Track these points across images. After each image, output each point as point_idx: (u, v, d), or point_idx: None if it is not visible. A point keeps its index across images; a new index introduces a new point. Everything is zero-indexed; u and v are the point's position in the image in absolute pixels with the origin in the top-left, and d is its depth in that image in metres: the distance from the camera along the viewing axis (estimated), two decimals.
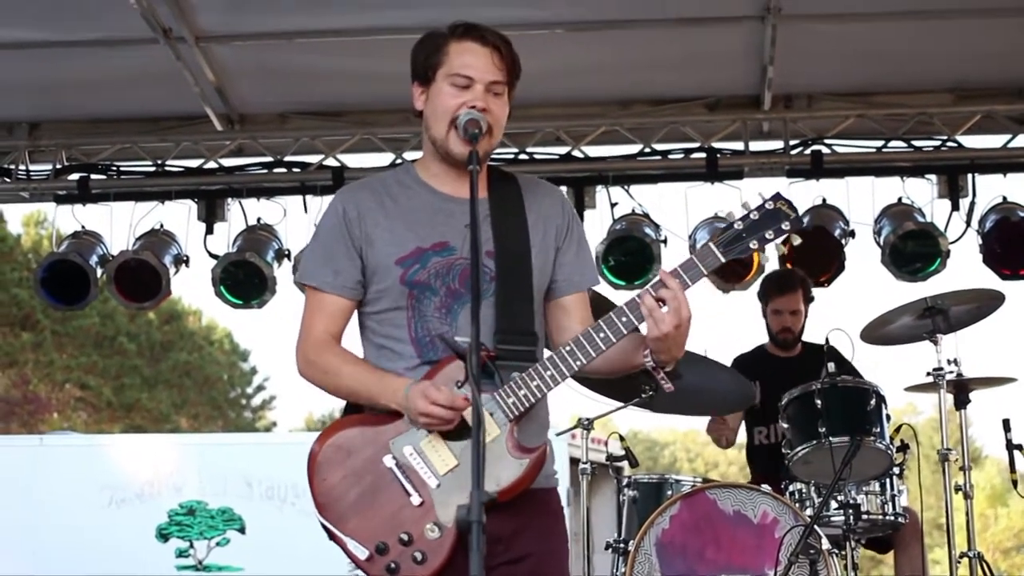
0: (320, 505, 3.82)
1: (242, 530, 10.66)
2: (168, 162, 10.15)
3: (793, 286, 8.24)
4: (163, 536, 10.71)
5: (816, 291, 8.64)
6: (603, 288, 9.40)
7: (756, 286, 8.76)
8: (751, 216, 3.83)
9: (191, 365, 37.04)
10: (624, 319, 3.79)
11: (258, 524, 10.69)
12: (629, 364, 3.98)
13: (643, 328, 3.81)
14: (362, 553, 3.74)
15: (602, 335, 3.79)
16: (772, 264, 9.33)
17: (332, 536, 3.81)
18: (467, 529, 3.12)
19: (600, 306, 4.18)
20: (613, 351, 3.84)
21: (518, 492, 3.78)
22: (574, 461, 7.51)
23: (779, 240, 3.83)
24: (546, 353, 3.92)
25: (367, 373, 3.90)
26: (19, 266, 30.74)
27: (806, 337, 8.40)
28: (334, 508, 3.81)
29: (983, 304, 7.34)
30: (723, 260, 3.81)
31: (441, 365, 3.83)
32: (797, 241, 3.85)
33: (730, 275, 9.45)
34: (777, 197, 3.87)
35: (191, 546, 10.67)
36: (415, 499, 3.75)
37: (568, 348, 3.80)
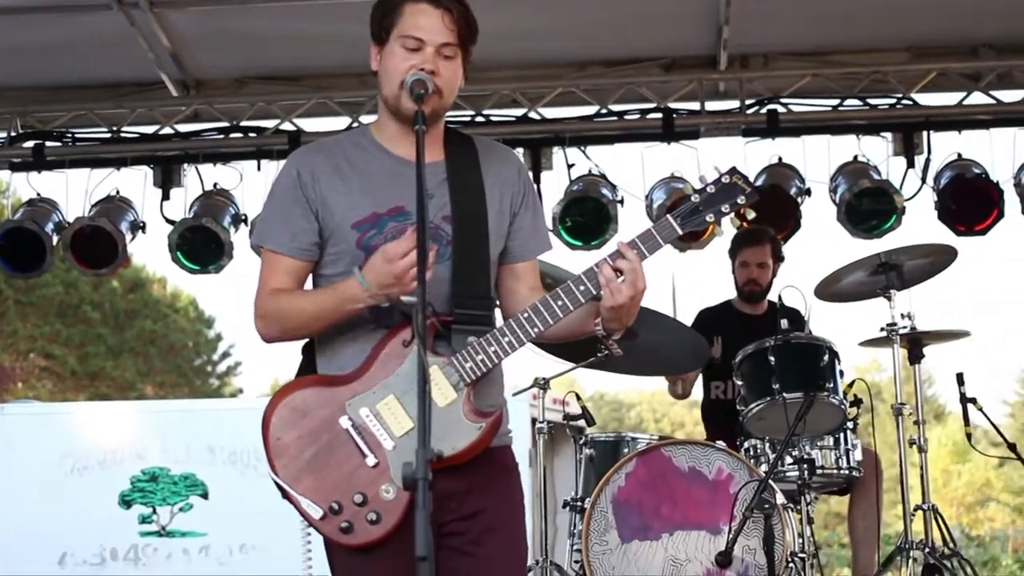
0: (274, 464, 3.81)
1: (205, 495, 10.63)
2: (124, 128, 10.12)
3: (761, 239, 8.24)
4: (126, 503, 10.67)
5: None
6: (560, 249, 9.49)
7: (711, 246, 8.81)
8: (707, 190, 3.89)
9: (156, 333, 36.97)
10: (582, 288, 3.83)
11: (221, 489, 10.67)
12: (581, 330, 4.02)
13: (591, 289, 3.85)
14: (316, 512, 3.75)
15: (560, 303, 3.82)
16: (728, 231, 9.38)
17: (286, 495, 3.81)
18: (412, 486, 3.13)
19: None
20: (568, 317, 3.87)
21: (473, 456, 3.80)
22: (534, 421, 7.52)
23: (734, 213, 3.92)
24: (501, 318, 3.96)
25: (319, 293, 3.93)
26: None
27: (771, 297, 8.42)
28: (288, 467, 3.80)
29: (936, 259, 7.39)
30: (680, 232, 3.87)
31: (398, 328, 3.83)
32: (751, 215, 3.95)
33: (687, 235, 9.49)
34: (733, 171, 3.94)
35: (154, 512, 10.64)
36: (370, 460, 3.76)
37: (526, 315, 3.82)
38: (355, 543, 3.76)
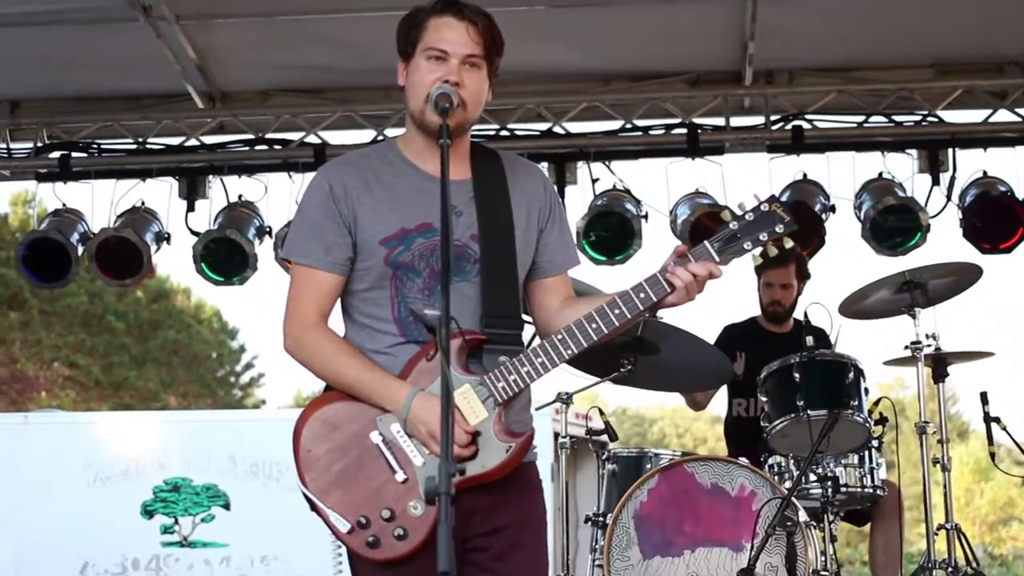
0: (303, 476, 3.84)
1: (227, 506, 10.64)
2: (149, 140, 10.15)
3: (786, 259, 8.14)
4: (148, 513, 10.69)
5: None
6: (584, 263, 9.47)
7: (739, 261, 8.75)
8: (746, 217, 3.88)
9: (179, 343, 36.99)
10: (617, 311, 3.84)
11: (242, 500, 10.69)
12: (610, 339, 4.01)
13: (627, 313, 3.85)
14: (344, 526, 3.77)
15: (594, 326, 3.84)
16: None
17: (314, 508, 3.83)
18: (434, 500, 3.13)
19: None
20: None
21: (502, 475, 3.82)
22: (556, 435, 7.52)
23: (772, 242, 3.88)
24: (537, 339, 3.97)
25: (365, 370, 3.88)
26: (7, 245, 30.65)
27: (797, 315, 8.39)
28: (318, 480, 3.82)
29: (961, 278, 7.36)
30: (717, 260, 3.85)
31: (430, 345, 3.85)
32: (789, 244, 3.90)
33: None
34: (772, 199, 3.92)
35: (176, 522, 10.66)
36: (400, 476, 3.78)
37: (560, 336, 3.84)
38: (381, 558, 3.77)
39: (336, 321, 4.06)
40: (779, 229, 3.87)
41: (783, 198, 9.24)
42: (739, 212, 3.89)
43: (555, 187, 4.31)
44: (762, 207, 3.89)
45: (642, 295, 3.84)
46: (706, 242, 3.87)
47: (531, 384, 3.88)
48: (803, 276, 8.33)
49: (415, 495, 3.76)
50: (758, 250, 3.87)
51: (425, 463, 3.77)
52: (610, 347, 6.90)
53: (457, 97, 3.85)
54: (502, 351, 3.85)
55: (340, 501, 3.79)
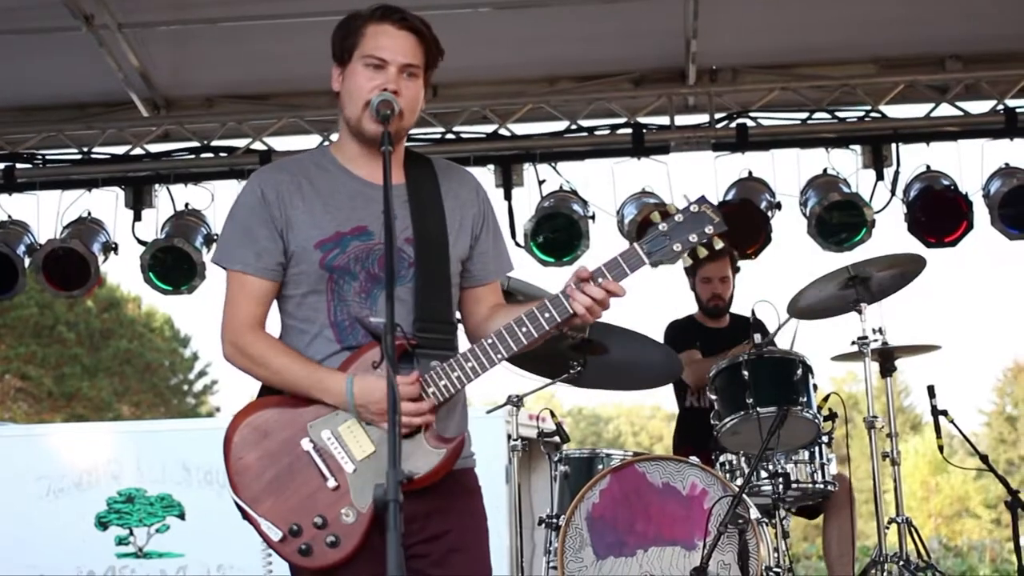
0: (235, 484, 3.83)
1: (181, 516, 10.63)
2: (94, 149, 10.09)
3: (721, 253, 8.20)
4: (102, 524, 10.68)
5: (744, 263, 8.72)
6: (532, 265, 9.49)
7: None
8: (675, 219, 3.86)
9: (132, 352, 36.87)
10: (547, 315, 3.83)
11: (197, 509, 10.67)
12: (541, 341, 4.00)
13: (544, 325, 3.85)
14: (275, 534, 3.76)
15: (524, 329, 3.83)
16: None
17: (246, 516, 3.82)
18: (383, 508, 3.13)
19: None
20: None
21: (433, 481, 3.81)
22: (509, 437, 7.54)
23: (702, 243, 3.87)
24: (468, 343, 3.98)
25: (300, 366, 3.87)
26: None
27: (734, 309, 8.45)
28: (249, 488, 3.81)
29: (905, 269, 7.39)
30: (647, 263, 3.84)
31: (362, 351, 3.84)
32: (719, 245, 3.89)
33: None
34: (701, 201, 3.90)
35: (131, 533, 10.64)
36: (331, 483, 3.77)
37: (490, 341, 3.84)
38: (313, 566, 3.77)
39: (275, 328, 4.06)
40: (709, 230, 3.86)
41: (729, 196, 9.50)
42: (670, 213, 3.88)
43: (488, 193, 4.30)
44: (692, 208, 3.88)
45: (547, 315, 3.83)
46: (635, 244, 3.86)
47: (462, 389, 3.88)
48: (736, 270, 8.41)
49: (347, 502, 3.76)
50: (688, 251, 3.86)
51: (356, 470, 3.78)
52: (559, 348, 6.93)
53: (397, 105, 3.85)
54: (434, 356, 3.85)
55: (271, 509, 3.78)
